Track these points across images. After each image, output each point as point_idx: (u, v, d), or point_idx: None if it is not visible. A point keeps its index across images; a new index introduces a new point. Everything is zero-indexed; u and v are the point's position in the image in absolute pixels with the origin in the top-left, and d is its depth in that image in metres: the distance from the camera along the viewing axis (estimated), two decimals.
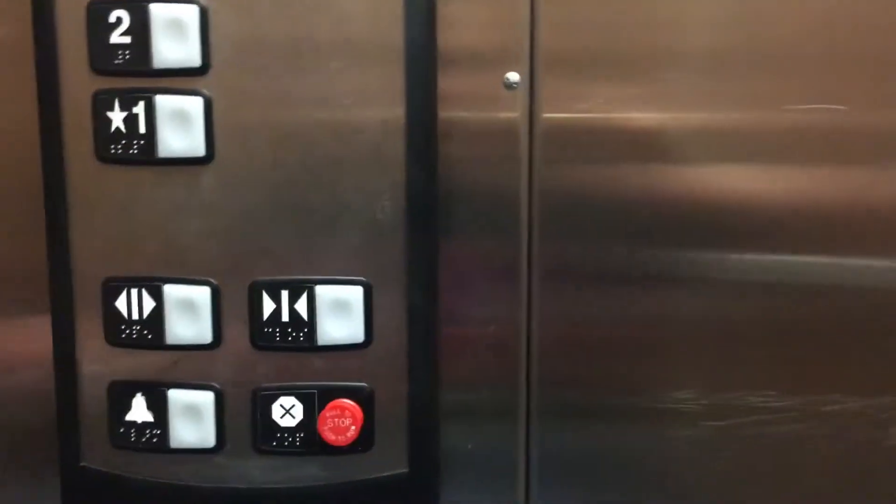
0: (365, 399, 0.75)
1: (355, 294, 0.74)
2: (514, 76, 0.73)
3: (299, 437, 0.75)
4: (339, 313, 0.74)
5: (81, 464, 0.78)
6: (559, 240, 0.76)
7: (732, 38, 0.73)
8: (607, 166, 0.75)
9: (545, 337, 0.77)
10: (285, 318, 0.74)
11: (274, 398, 0.75)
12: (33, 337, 0.78)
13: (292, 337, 0.75)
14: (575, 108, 0.74)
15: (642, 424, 0.78)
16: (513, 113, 0.74)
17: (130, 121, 0.72)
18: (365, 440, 0.75)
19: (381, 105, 0.72)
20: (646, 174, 0.75)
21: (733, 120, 0.74)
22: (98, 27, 0.71)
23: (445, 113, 0.74)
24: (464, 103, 0.74)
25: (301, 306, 0.74)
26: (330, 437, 0.74)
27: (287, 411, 0.75)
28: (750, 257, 0.75)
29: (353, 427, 0.74)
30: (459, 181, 0.75)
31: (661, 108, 0.74)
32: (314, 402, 0.75)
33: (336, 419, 0.74)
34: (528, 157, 0.75)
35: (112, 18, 0.71)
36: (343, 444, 0.75)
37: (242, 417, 0.76)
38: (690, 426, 0.78)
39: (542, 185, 0.75)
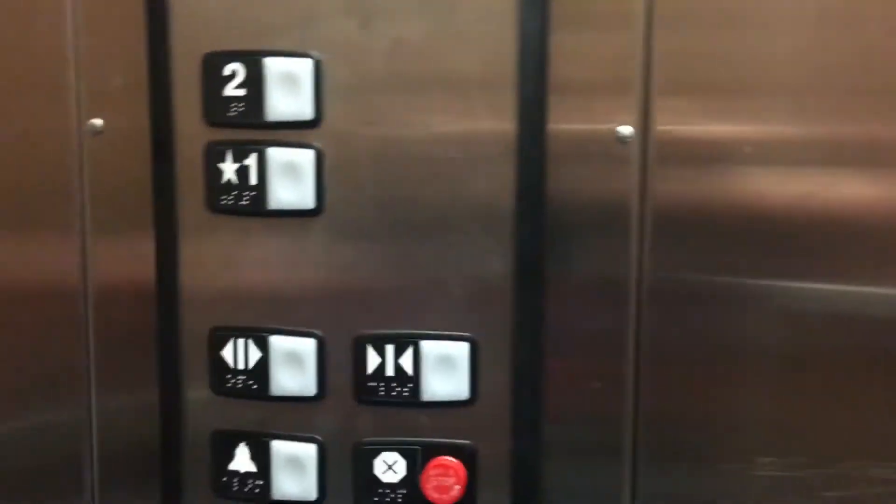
0: (468, 457, 0.74)
1: (461, 350, 0.73)
2: (626, 129, 0.72)
3: (401, 493, 0.74)
4: (445, 369, 0.73)
5: None
6: (668, 268, 0.73)
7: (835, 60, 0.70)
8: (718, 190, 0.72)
9: (652, 372, 0.74)
10: (390, 372, 0.74)
11: (376, 453, 0.74)
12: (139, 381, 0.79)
13: (396, 392, 0.74)
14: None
15: (750, 475, 0.75)
16: (623, 181, 0.72)
17: (242, 172, 0.73)
18: (468, 499, 0.74)
19: (491, 161, 0.71)
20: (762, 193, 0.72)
21: (843, 140, 0.71)
22: (213, 79, 0.72)
23: (556, 166, 0.72)
24: (575, 157, 0.73)
25: (406, 361, 0.73)
26: (433, 495, 0.73)
27: (389, 467, 0.74)
28: (851, 289, 0.72)
29: (456, 486, 0.73)
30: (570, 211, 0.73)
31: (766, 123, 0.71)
32: (417, 459, 0.74)
33: (440, 477, 0.73)
34: (639, 187, 0.73)
35: (227, 71, 0.72)
36: (447, 503, 0.73)
37: (344, 471, 0.75)
38: (807, 497, 0.74)
39: (654, 213, 0.73)
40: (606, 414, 0.75)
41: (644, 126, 0.72)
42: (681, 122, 0.72)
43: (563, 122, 0.72)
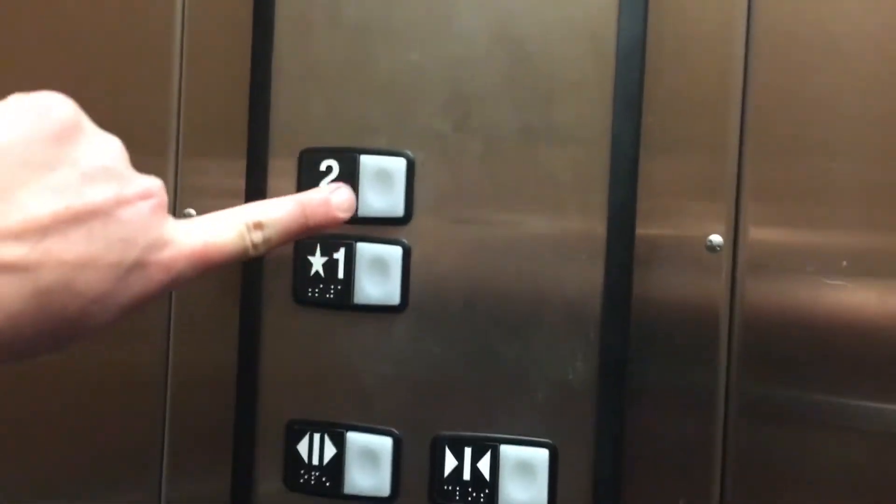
0: None
1: (540, 456, 0.71)
2: (717, 238, 0.71)
3: None
4: (523, 476, 0.71)
5: None
6: (756, 381, 0.71)
7: None
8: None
9: (739, 488, 0.71)
10: (467, 476, 0.72)
11: None
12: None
13: (472, 497, 0.72)
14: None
15: None
16: (714, 282, 0.71)
17: (330, 266, 0.73)
18: None
19: (579, 263, 0.71)
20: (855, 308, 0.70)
21: None
22: (309, 174, 0.74)
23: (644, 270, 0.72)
24: (663, 262, 0.72)
25: (484, 465, 0.72)
26: None
27: None
28: None
29: None
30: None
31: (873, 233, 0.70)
32: None
33: None
34: (728, 314, 0.71)
35: (323, 167, 0.73)
36: None
37: None
38: None
39: (743, 316, 0.71)
40: None
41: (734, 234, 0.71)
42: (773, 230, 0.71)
43: (653, 228, 0.72)
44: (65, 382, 0.82)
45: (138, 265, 0.45)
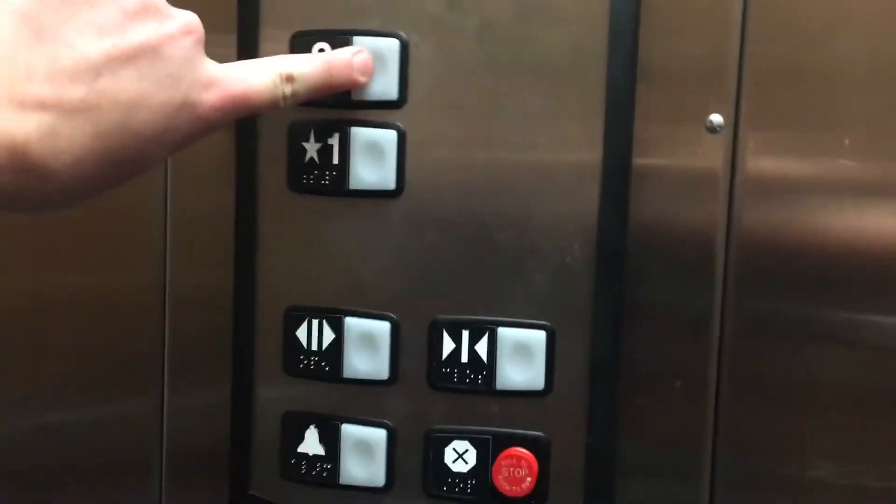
0: (542, 449, 0.72)
1: (538, 338, 0.72)
2: (717, 118, 0.70)
3: (471, 483, 0.73)
4: (521, 358, 0.72)
5: (250, 492, 0.78)
6: (754, 293, 0.72)
7: None
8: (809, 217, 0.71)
9: (734, 395, 0.72)
10: (464, 358, 0.72)
11: (447, 441, 0.73)
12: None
13: (470, 379, 0.73)
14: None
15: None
16: (713, 161, 0.71)
17: (324, 151, 0.73)
18: (540, 493, 0.72)
19: (577, 149, 0.70)
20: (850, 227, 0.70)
21: None
22: None
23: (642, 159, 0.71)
24: (663, 147, 0.71)
25: (481, 348, 0.72)
26: (504, 486, 0.72)
27: (460, 456, 0.73)
28: None
29: (528, 478, 0.71)
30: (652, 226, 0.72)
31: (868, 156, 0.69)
32: (489, 449, 0.72)
33: (511, 468, 0.72)
34: (726, 207, 0.71)
35: (315, 50, 0.71)
36: (517, 496, 0.72)
37: (414, 459, 0.74)
38: None
39: (740, 236, 0.71)
40: (686, 438, 0.74)
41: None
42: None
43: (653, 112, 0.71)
44: (68, 308, 0.82)
45: (187, 103, 0.45)
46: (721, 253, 0.71)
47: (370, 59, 0.54)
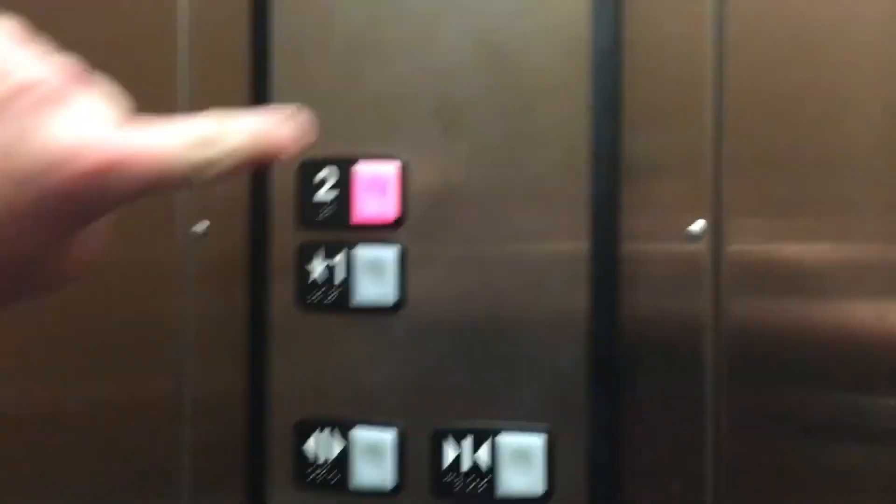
0: None
1: (536, 443, 0.74)
2: (698, 226, 0.74)
3: None
4: (521, 463, 0.74)
5: None
6: (744, 384, 0.73)
7: None
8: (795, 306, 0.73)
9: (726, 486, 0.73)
10: (466, 465, 0.75)
11: None
12: None
13: (472, 486, 0.74)
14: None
15: None
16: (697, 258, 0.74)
17: (330, 271, 0.77)
18: None
19: (566, 258, 0.74)
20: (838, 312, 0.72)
21: None
22: (307, 184, 0.78)
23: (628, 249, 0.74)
24: (648, 252, 0.75)
25: (482, 455, 0.74)
26: None
27: None
28: None
29: None
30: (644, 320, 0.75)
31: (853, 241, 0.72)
32: None
33: None
34: (713, 301, 0.74)
35: (319, 177, 0.77)
36: None
37: None
38: None
39: (728, 326, 0.73)
40: None
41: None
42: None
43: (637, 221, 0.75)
44: (90, 409, 0.86)
45: (30, 179, 0.35)
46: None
47: (298, 131, 0.37)
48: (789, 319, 0.73)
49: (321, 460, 0.77)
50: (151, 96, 0.84)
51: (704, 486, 0.74)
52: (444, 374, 0.76)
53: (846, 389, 0.72)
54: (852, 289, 0.72)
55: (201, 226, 0.83)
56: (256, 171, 0.80)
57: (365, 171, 0.77)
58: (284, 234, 0.79)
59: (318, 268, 0.78)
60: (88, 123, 0.36)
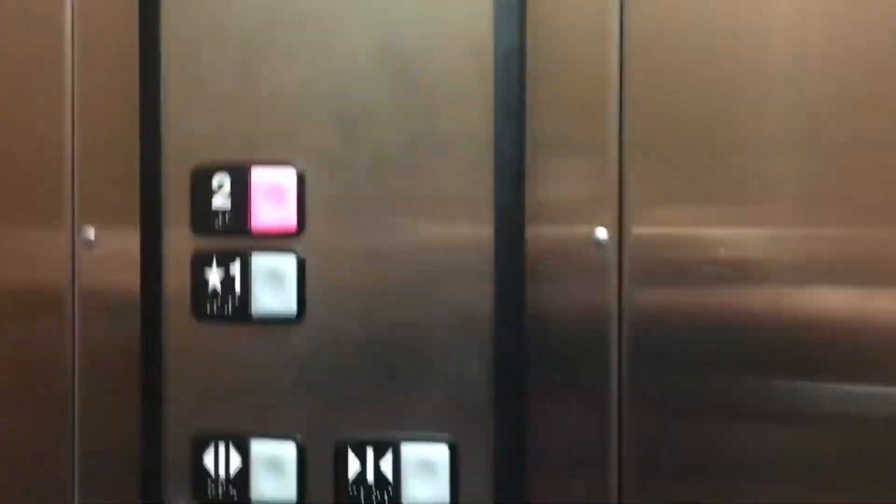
0: None
1: (441, 453, 0.73)
2: (602, 233, 0.74)
3: None
4: (425, 474, 0.73)
5: None
6: (648, 371, 0.74)
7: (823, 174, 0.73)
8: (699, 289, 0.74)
9: (634, 477, 0.74)
10: (370, 477, 0.74)
11: None
12: None
13: (377, 498, 0.73)
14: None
15: None
16: (600, 279, 0.74)
17: (227, 280, 0.75)
18: None
19: (470, 266, 0.73)
20: (740, 297, 0.73)
21: (830, 241, 0.72)
22: (201, 190, 0.75)
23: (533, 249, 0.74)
24: (552, 254, 0.75)
25: (386, 466, 0.73)
26: None
27: None
28: (844, 388, 0.72)
29: None
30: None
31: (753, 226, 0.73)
32: None
33: None
34: (617, 297, 0.74)
35: (215, 183, 0.75)
36: None
37: None
38: None
39: (632, 318, 0.74)
40: None
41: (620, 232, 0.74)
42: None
43: (541, 227, 0.74)
44: None
45: None
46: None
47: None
48: (693, 306, 0.73)
49: (221, 475, 0.75)
50: (38, 97, 0.80)
51: (609, 476, 0.74)
52: (345, 385, 0.75)
53: (747, 374, 0.73)
54: (750, 275, 0.73)
55: (89, 228, 0.79)
56: (144, 171, 0.77)
57: (261, 177, 0.74)
58: (179, 241, 0.76)
59: (214, 277, 0.75)
60: None
